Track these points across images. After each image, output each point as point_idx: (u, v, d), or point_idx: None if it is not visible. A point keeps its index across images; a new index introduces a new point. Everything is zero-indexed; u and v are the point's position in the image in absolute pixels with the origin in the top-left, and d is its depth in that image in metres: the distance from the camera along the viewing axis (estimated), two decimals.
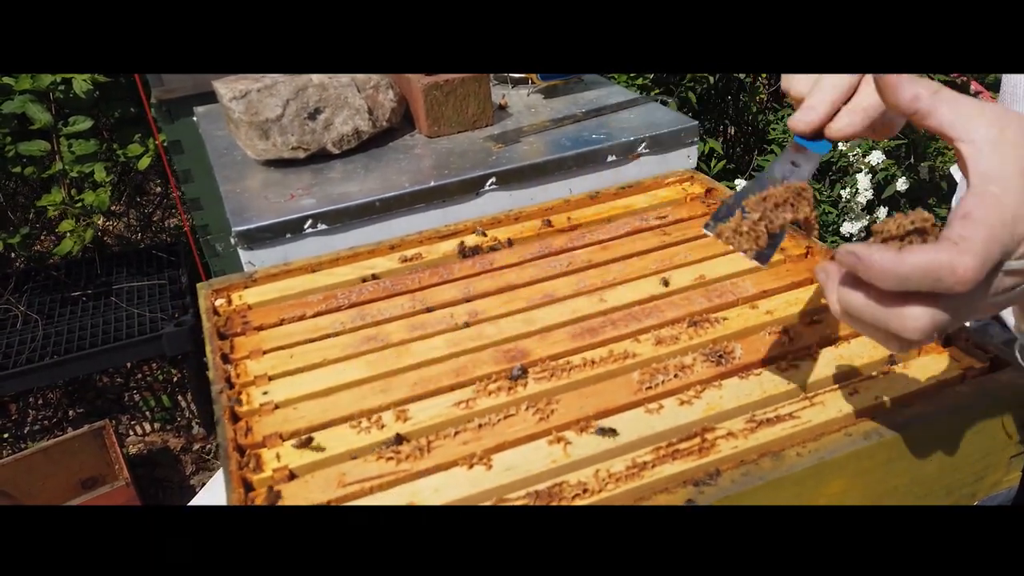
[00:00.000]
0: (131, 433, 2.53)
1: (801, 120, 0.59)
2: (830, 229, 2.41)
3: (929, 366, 0.68)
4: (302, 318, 0.82)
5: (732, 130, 2.82)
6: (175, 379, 2.64)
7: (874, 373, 0.68)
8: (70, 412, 2.57)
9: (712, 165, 2.30)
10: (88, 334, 2.17)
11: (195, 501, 1.94)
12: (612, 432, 0.63)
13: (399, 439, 0.65)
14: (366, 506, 0.58)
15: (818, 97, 0.59)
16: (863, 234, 2.38)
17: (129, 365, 2.59)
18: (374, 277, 0.89)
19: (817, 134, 0.59)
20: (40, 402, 2.59)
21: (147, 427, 2.55)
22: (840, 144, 2.29)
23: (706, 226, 0.59)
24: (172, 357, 2.39)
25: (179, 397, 2.61)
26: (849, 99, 0.58)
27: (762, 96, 2.82)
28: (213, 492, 1.90)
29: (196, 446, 2.47)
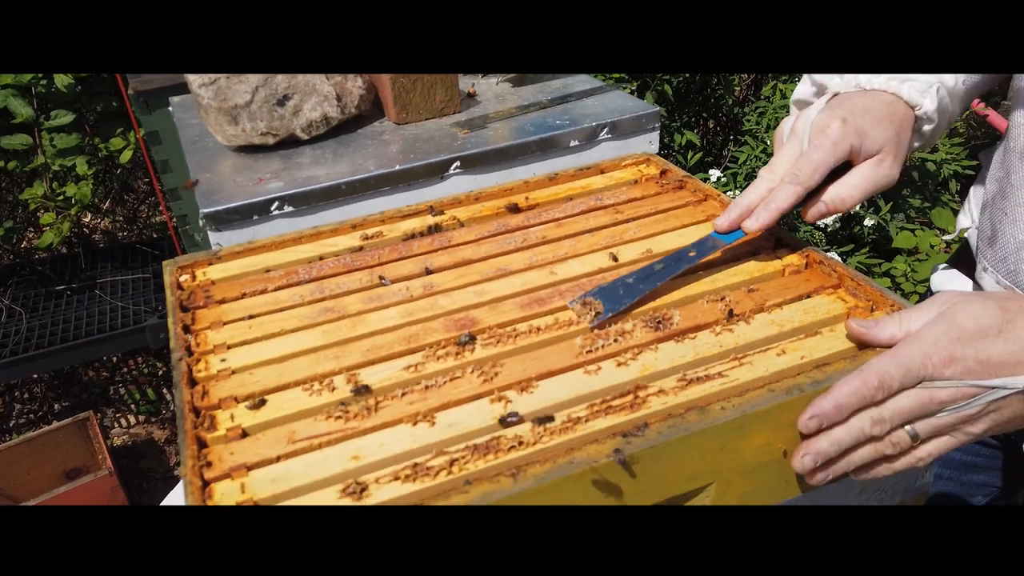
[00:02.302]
0: (116, 425, 2.55)
1: (723, 220, 0.80)
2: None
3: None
4: (263, 292, 0.85)
5: (710, 123, 2.86)
6: (160, 372, 2.66)
7: (802, 336, 0.71)
8: (55, 406, 2.60)
9: (689, 157, 2.33)
10: (72, 327, 2.20)
11: (176, 490, 1.97)
12: (516, 417, 0.64)
13: (364, 390, 0.68)
14: (327, 506, 0.60)
15: (740, 199, 0.79)
16: (838, 225, 2.42)
17: (115, 359, 2.61)
18: (361, 248, 0.92)
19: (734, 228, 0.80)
20: (25, 396, 2.61)
21: (132, 419, 2.57)
22: None
23: (570, 302, 0.78)
24: (157, 350, 2.42)
25: (164, 390, 2.64)
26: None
27: (738, 89, 2.87)
28: None
29: None
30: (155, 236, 2.90)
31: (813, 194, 0.77)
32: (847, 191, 0.76)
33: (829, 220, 2.40)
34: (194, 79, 1.14)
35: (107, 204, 3.06)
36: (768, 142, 2.24)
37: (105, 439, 2.16)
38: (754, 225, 0.77)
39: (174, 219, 1.89)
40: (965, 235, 1.00)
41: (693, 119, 2.73)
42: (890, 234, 2.46)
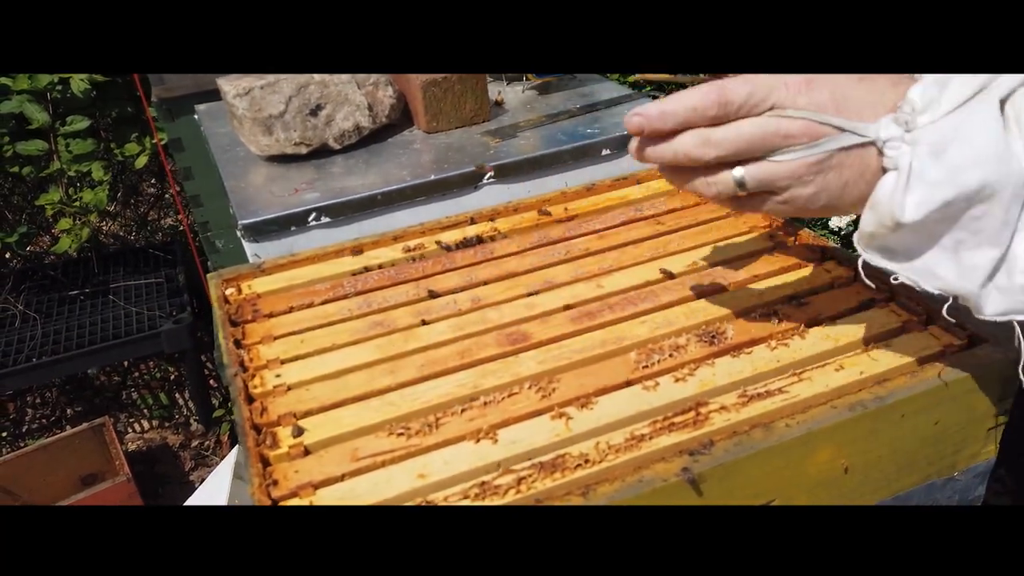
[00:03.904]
0: (129, 431, 2.55)
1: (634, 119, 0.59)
2: (819, 223, 2.45)
3: (910, 343, 0.71)
4: (310, 305, 0.85)
5: None
6: (172, 376, 2.65)
7: (858, 351, 0.72)
8: (68, 411, 2.59)
9: None
10: (87, 332, 2.19)
11: (195, 495, 1.97)
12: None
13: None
14: (367, 507, 0.60)
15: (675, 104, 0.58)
16: (851, 227, 2.43)
17: (127, 364, 2.60)
18: (380, 267, 0.92)
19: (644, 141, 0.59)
20: (38, 401, 2.60)
21: (145, 424, 2.56)
22: None
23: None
24: (170, 355, 2.41)
25: (176, 395, 2.63)
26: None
27: None
28: (213, 487, 1.92)
29: (195, 442, 2.49)
30: (166, 240, 2.89)
31: None
32: None
33: (843, 223, 2.40)
34: (229, 89, 1.14)
35: (114, 207, 3.06)
36: None
37: (119, 444, 2.15)
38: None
39: (194, 225, 1.88)
40: None
41: None
42: None
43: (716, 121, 0.56)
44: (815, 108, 0.54)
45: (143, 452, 2.47)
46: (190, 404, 2.58)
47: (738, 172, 0.57)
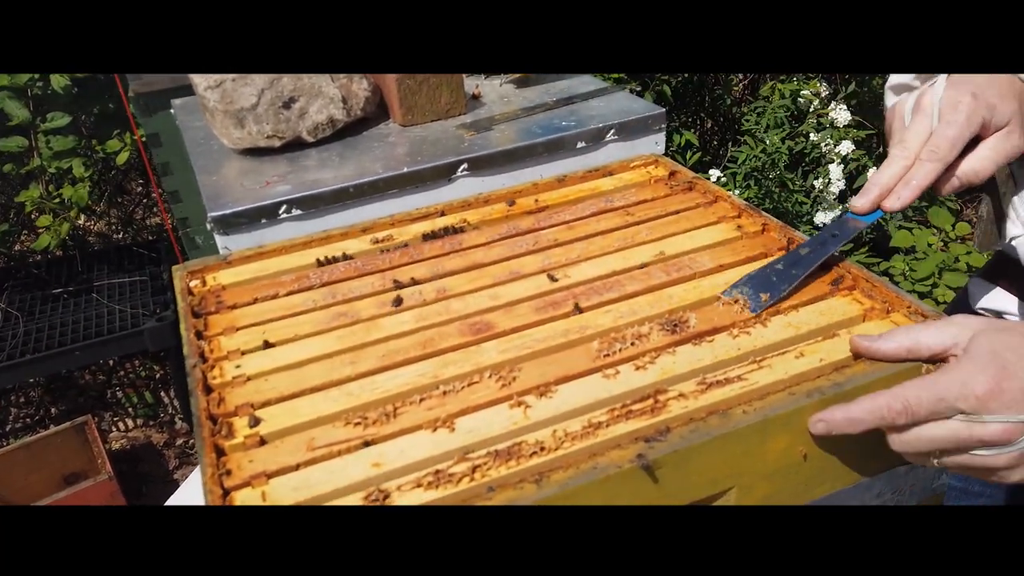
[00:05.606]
0: (114, 429, 2.54)
1: (862, 201, 0.77)
2: (804, 219, 2.46)
3: (872, 331, 0.71)
4: (275, 297, 0.85)
5: (708, 123, 2.86)
6: (157, 375, 2.65)
7: (820, 338, 0.71)
8: (52, 410, 2.58)
9: (688, 157, 2.34)
10: (69, 331, 2.18)
11: (177, 493, 1.96)
12: None
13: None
14: (335, 506, 0.59)
15: (876, 179, 0.76)
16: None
17: (111, 362, 2.59)
18: (346, 258, 0.91)
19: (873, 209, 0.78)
20: (22, 400, 2.59)
21: (130, 423, 2.55)
22: (812, 135, 2.34)
23: (723, 292, 0.78)
24: (155, 353, 2.40)
25: (161, 393, 2.62)
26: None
27: (736, 89, 2.87)
28: (195, 486, 1.91)
29: (179, 441, 2.48)
30: (151, 238, 2.88)
31: (946, 169, 0.76)
32: (980, 164, 0.76)
33: (827, 219, 2.41)
34: (200, 82, 1.13)
35: (101, 206, 3.05)
36: (768, 142, 2.25)
37: (103, 443, 2.14)
38: (896, 205, 0.76)
39: (174, 221, 1.88)
40: (1014, 243, 0.96)
41: (690, 119, 2.74)
42: (888, 233, 2.47)
43: (900, 427, 0.60)
44: (1007, 409, 0.55)
45: (127, 451, 2.46)
46: (175, 402, 2.57)
47: (936, 459, 0.60)
